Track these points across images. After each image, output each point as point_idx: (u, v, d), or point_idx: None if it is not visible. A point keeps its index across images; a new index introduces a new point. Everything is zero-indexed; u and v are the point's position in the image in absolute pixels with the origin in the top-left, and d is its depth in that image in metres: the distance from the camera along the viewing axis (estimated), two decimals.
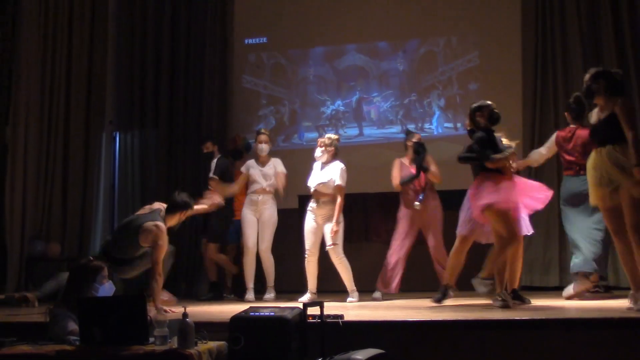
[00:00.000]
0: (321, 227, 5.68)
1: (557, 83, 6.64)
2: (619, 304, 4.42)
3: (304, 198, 6.18)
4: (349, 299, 5.61)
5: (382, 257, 6.57)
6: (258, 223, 6.13)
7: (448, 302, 5.17)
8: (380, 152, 7.19)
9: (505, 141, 5.03)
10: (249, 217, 6.15)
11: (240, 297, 6.15)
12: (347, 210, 6.66)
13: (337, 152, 5.82)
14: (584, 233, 5.30)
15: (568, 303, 4.90)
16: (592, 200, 4.34)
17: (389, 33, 7.38)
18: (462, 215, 5.02)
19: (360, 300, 5.63)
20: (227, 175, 6.45)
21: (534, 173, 6.33)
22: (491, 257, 4.82)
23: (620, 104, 4.13)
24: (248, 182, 6.26)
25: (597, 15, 6.57)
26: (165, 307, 4.84)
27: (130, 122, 7.61)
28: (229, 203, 6.31)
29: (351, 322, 3.82)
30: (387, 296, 5.93)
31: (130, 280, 5.33)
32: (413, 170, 5.95)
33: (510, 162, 4.88)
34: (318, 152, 5.81)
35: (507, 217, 4.67)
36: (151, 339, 3.40)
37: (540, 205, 4.98)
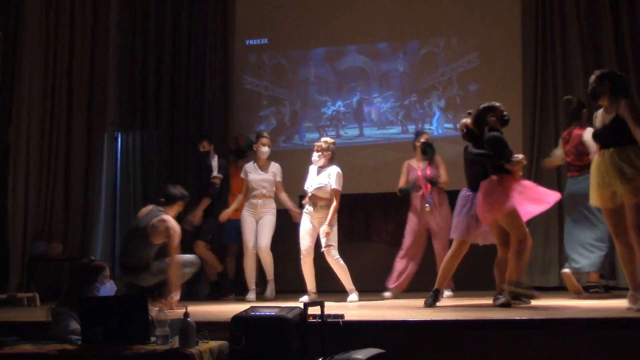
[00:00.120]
0: (317, 230, 5.72)
1: (557, 83, 6.66)
2: (619, 304, 4.43)
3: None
4: (349, 299, 5.63)
5: (382, 257, 6.59)
6: (257, 225, 6.16)
7: (448, 302, 5.18)
8: (381, 152, 7.22)
9: None
10: (248, 220, 6.18)
11: (241, 296, 6.19)
12: (347, 210, 6.70)
13: (333, 156, 5.83)
14: (582, 244, 5.35)
15: (568, 303, 4.90)
16: (593, 201, 4.34)
17: (389, 34, 7.40)
18: (460, 220, 4.90)
19: (361, 299, 5.65)
20: (226, 175, 6.54)
21: (534, 174, 6.35)
22: (500, 267, 4.80)
23: (625, 104, 4.13)
24: (246, 186, 6.29)
25: (596, 16, 6.59)
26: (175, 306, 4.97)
27: (131, 123, 7.63)
28: (218, 205, 6.37)
29: (352, 321, 3.83)
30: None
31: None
32: (419, 173, 6.00)
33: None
34: (315, 156, 5.83)
35: (518, 219, 4.67)
36: (152, 339, 3.41)
37: (542, 209, 4.93)
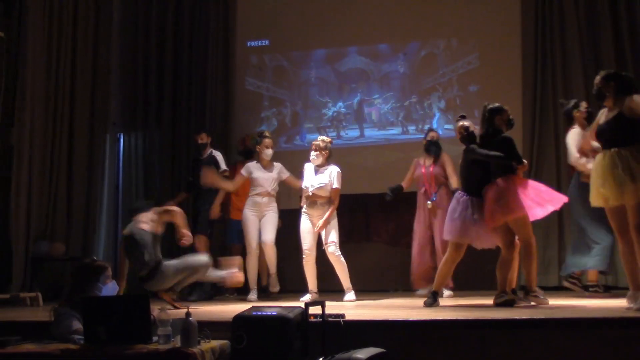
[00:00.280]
0: None
1: (557, 84, 6.68)
2: (618, 304, 4.44)
3: None
4: (345, 297, 5.65)
5: (383, 257, 6.61)
6: (259, 222, 6.18)
7: (448, 302, 5.20)
8: (381, 153, 7.25)
9: None
10: (251, 218, 6.17)
11: (242, 296, 6.21)
12: (347, 210, 6.72)
13: (331, 155, 5.85)
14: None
15: (568, 303, 4.92)
16: (594, 201, 4.35)
17: (389, 35, 7.42)
18: (455, 223, 4.81)
19: (361, 299, 5.66)
20: (231, 175, 6.56)
21: (533, 173, 6.37)
22: (503, 267, 4.81)
23: (629, 100, 4.11)
24: (248, 184, 6.30)
25: (596, 17, 6.61)
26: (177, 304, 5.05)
27: (133, 124, 7.67)
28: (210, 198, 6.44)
29: (352, 321, 3.84)
30: (387, 296, 5.96)
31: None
32: (423, 170, 6.03)
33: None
34: (313, 155, 5.85)
35: (528, 221, 4.69)
36: (154, 338, 3.43)
37: (546, 213, 4.93)
